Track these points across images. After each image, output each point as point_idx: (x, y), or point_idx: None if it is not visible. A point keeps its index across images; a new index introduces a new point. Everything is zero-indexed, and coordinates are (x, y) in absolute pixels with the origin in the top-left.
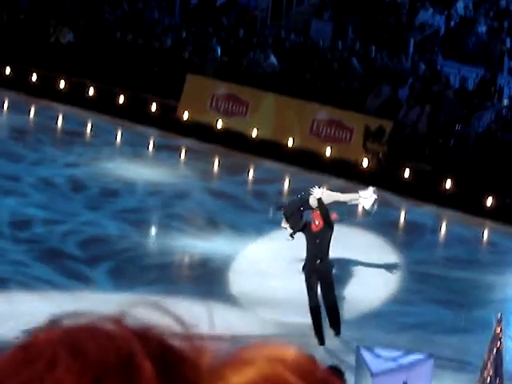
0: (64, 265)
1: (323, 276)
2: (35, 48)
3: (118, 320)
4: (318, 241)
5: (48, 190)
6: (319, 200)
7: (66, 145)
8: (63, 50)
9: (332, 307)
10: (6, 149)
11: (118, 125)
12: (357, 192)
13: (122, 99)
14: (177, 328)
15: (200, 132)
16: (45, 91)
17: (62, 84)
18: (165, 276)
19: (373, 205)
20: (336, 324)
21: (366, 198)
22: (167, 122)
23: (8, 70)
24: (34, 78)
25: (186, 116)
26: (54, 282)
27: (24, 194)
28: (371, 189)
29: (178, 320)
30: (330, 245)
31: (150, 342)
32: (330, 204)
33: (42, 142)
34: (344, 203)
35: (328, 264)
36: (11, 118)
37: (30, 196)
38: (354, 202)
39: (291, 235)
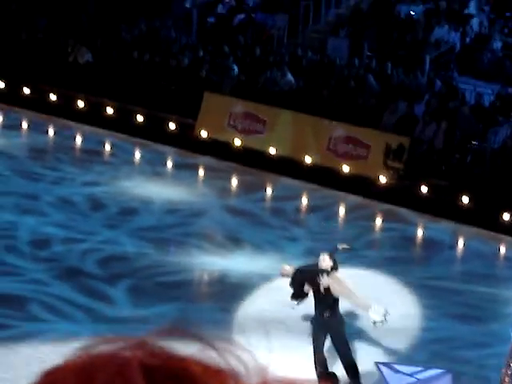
0: (83, 283)
1: (334, 331)
2: (54, 67)
3: (138, 348)
4: (322, 295)
5: (67, 209)
6: (327, 289)
7: (85, 164)
8: (81, 69)
9: (349, 363)
10: (25, 168)
11: (136, 144)
12: (369, 302)
13: (139, 118)
14: (199, 355)
15: (218, 150)
16: (63, 111)
17: (81, 103)
18: (183, 294)
19: (381, 322)
20: (355, 378)
21: (378, 313)
22: (185, 141)
23: (27, 90)
24: (53, 97)
25: (203, 134)
26: (74, 300)
27: (43, 213)
28: (384, 309)
29: (203, 348)
30: (339, 298)
31: (157, 375)
32: (338, 294)
33: (61, 161)
34: (350, 302)
35: (337, 318)
36: (30, 138)
37: (49, 215)
38: (360, 308)
39: (296, 301)
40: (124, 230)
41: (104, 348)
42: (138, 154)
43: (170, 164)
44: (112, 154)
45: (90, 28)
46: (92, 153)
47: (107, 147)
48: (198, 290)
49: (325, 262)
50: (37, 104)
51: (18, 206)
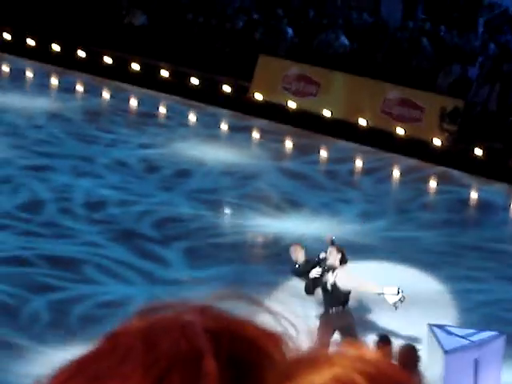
0: (138, 245)
1: (340, 326)
2: (108, 30)
3: (199, 312)
4: (330, 292)
5: (122, 171)
6: (333, 286)
7: (140, 126)
8: (136, 31)
9: None
10: (81, 131)
11: (190, 106)
12: (380, 285)
13: (194, 80)
14: (259, 319)
15: (272, 112)
16: (118, 73)
17: (136, 66)
18: (238, 255)
19: (399, 301)
20: None
21: (392, 295)
22: (239, 103)
23: (82, 53)
24: (108, 60)
25: (258, 97)
26: (129, 262)
27: (98, 175)
28: (396, 288)
29: (263, 311)
30: (348, 292)
31: (222, 339)
32: (346, 288)
33: (116, 123)
34: (361, 292)
35: (344, 312)
36: (85, 100)
37: (105, 177)
38: (375, 293)
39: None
40: (179, 192)
41: (163, 312)
42: (192, 117)
43: (224, 126)
44: (167, 117)
45: None
46: (147, 115)
47: (162, 110)
48: (253, 252)
49: (332, 255)
50: (92, 67)
51: (74, 168)
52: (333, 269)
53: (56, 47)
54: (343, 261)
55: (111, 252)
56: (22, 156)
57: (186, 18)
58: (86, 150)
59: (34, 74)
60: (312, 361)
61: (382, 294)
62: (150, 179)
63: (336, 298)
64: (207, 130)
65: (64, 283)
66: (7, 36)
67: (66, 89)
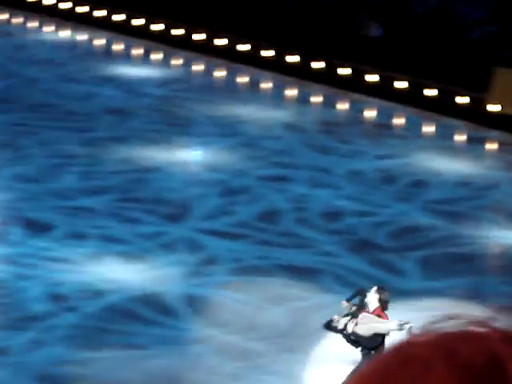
0: (375, 255)
1: None
2: (345, 41)
3: (486, 323)
4: (353, 340)
5: (359, 182)
6: (356, 334)
7: (376, 137)
8: (372, 43)
9: None
10: (318, 142)
11: (426, 117)
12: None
13: (430, 91)
14: None
15: (508, 124)
16: (355, 84)
17: (372, 77)
18: (474, 266)
19: (411, 327)
20: None
21: (401, 326)
22: (476, 115)
23: (318, 64)
24: (344, 71)
25: (494, 108)
26: (365, 272)
27: (335, 185)
28: (397, 321)
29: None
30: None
31: None
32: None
33: (353, 134)
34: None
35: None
36: (322, 112)
37: (341, 188)
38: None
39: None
40: (415, 203)
41: (443, 325)
42: (428, 128)
43: (460, 137)
44: (403, 128)
45: (382, 2)
46: (383, 126)
47: (398, 121)
48: (489, 263)
49: (370, 297)
50: (328, 78)
51: (311, 178)
52: (353, 315)
53: (293, 58)
54: (383, 303)
55: (348, 262)
56: (259, 167)
57: (421, 30)
58: (323, 161)
59: (271, 85)
60: None
61: (398, 329)
62: (386, 190)
63: (366, 345)
64: (443, 141)
65: (301, 293)
66: (244, 47)
67: (303, 100)
